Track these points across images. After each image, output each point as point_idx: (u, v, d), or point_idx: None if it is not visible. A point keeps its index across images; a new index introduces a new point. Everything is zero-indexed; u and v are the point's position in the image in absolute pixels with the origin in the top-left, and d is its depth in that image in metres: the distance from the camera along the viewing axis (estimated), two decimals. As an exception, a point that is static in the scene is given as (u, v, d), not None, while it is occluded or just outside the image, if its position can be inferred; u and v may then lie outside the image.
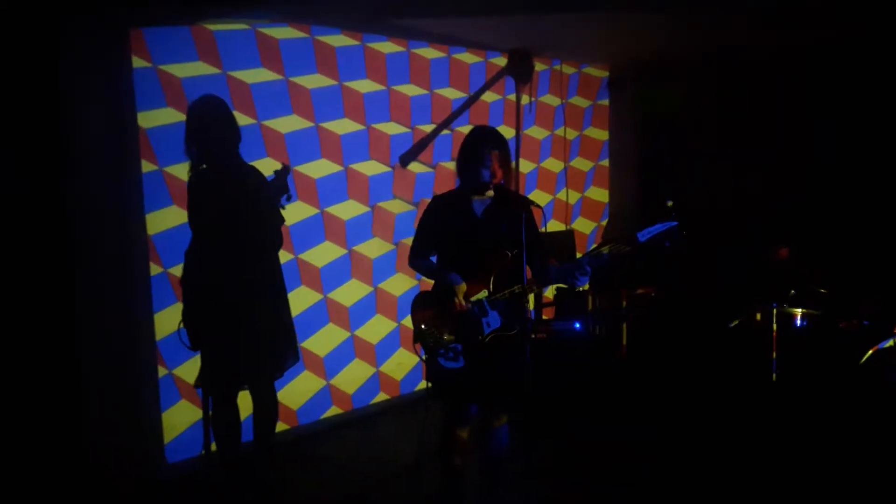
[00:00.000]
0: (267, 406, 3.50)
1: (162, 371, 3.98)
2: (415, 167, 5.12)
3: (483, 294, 3.03)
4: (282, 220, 3.38)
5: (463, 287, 3.01)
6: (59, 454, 3.56)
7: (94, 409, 3.68)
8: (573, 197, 6.38)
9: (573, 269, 2.96)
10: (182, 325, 3.28)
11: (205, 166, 3.28)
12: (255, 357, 3.32)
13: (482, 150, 3.03)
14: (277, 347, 3.41)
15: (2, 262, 3.43)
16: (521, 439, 3.29)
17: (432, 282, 3.22)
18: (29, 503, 3.45)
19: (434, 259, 3.22)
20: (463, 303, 3.00)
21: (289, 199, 3.35)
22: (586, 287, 5.42)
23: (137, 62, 3.81)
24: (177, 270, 3.52)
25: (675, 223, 2.96)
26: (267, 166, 4.23)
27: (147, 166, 3.88)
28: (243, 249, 3.24)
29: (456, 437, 3.18)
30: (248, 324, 3.25)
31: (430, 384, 3.15)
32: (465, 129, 3.28)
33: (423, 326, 3.05)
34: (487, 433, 3.22)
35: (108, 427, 3.71)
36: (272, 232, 3.34)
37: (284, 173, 3.31)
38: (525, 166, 5.82)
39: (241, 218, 3.22)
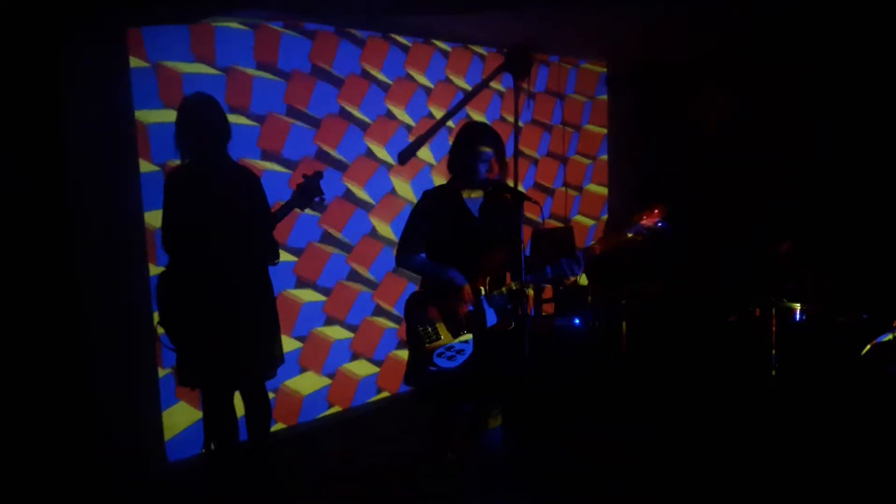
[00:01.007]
0: (258, 408, 3.46)
1: (162, 370, 3.99)
2: (415, 162, 5.12)
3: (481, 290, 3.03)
4: (271, 223, 3.32)
5: (468, 286, 3.00)
6: (60, 453, 3.57)
7: (95, 408, 3.69)
8: (572, 192, 6.38)
9: (570, 261, 2.96)
10: (160, 330, 3.26)
11: (188, 162, 3.26)
12: (241, 359, 3.27)
13: (478, 146, 3.01)
14: (263, 349, 3.36)
15: (2, 261, 3.43)
16: (520, 438, 3.29)
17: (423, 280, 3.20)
18: (31, 498, 3.45)
19: (423, 256, 3.16)
20: (473, 301, 2.99)
21: (322, 202, 3.34)
22: (585, 281, 5.43)
23: (135, 61, 3.81)
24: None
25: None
26: (264, 163, 4.26)
27: (145, 165, 3.88)
28: (228, 249, 3.19)
29: (447, 433, 3.17)
30: (233, 325, 3.20)
31: (413, 386, 3.13)
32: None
33: (419, 328, 3.04)
34: (482, 433, 3.19)
35: (109, 426, 3.72)
36: (263, 234, 3.30)
37: (317, 177, 3.30)
38: (523, 162, 5.83)
39: (227, 217, 3.17)
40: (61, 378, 3.59)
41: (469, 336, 3.02)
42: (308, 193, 3.29)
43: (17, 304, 3.48)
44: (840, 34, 4.87)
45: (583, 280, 5.53)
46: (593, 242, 3.03)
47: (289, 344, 4.43)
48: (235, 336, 3.22)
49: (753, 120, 5.58)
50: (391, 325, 5.04)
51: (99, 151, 3.65)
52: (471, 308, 2.99)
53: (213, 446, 3.42)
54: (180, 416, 4.06)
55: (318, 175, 3.31)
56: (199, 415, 3.78)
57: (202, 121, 3.21)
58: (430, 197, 3.16)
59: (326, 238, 4.66)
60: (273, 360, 3.39)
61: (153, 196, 3.87)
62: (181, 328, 3.22)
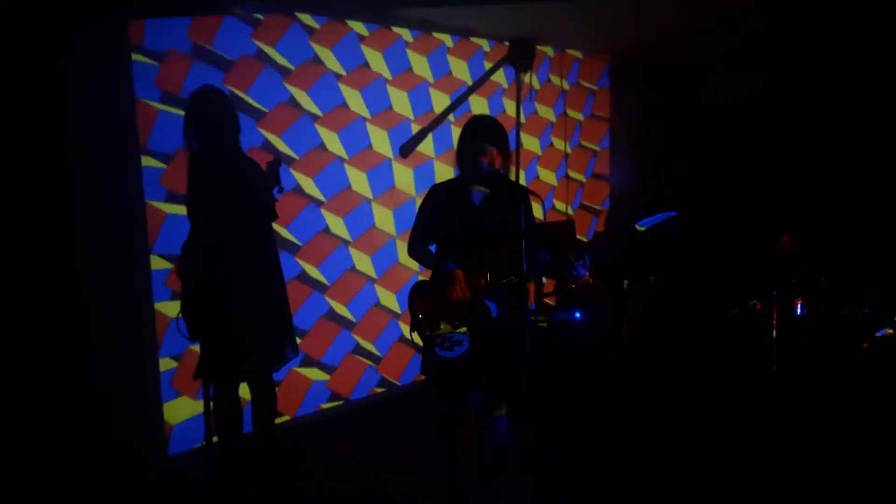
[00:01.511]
0: (266, 398, 3.51)
1: (164, 364, 4.00)
2: (414, 159, 5.11)
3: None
4: (275, 215, 3.37)
5: (458, 272, 3.01)
6: (61, 447, 3.59)
7: (96, 401, 3.71)
8: (574, 183, 6.37)
9: (575, 260, 2.96)
10: (180, 315, 3.29)
11: (202, 154, 3.28)
12: (253, 349, 3.32)
13: (480, 140, 3.03)
14: (275, 339, 3.41)
15: (4, 257, 3.45)
16: (521, 433, 3.30)
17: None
18: (32, 496, 3.47)
19: (433, 248, 3.21)
20: (464, 291, 3.00)
21: (281, 192, 3.35)
22: (587, 277, 5.43)
23: (136, 55, 3.80)
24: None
25: (675, 213, 2.97)
26: (264, 157, 4.26)
27: (146, 160, 3.88)
28: (241, 240, 3.24)
29: (461, 431, 3.19)
30: (245, 315, 3.26)
31: (424, 376, 3.17)
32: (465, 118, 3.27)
33: (420, 316, 3.06)
34: (487, 423, 3.21)
35: (110, 419, 3.74)
36: (266, 226, 3.34)
37: (276, 165, 3.31)
38: (526, 154, 5.81)
39: (239, 208, 3.21)
40: (63, 373, 3.60)
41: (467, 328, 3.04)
42: (269, 182, 3.31)
43: (19, 300, 3.49)
44: (840, 34, 4.85)
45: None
46: (602, 238, 3.01)
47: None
48: (250, 327, 3.27)
49: (753, 120, 5.58)
50: (393, 316, 5.06)
51: (99, 146, 3.65)
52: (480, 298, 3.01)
53: (215, 438, 3.45)
54: (180, 409, 4.08)
55: (278, 163, 3.33)
56: (198, 407, 3.79)
57: (214, 113, 3.24)
58: (437, 191, 3.20)
59: (330, 229, 4.67)
60: (283, 351, 3.43)
61: (154, 189, 3.89)
62: (203, 318, 3.26)
